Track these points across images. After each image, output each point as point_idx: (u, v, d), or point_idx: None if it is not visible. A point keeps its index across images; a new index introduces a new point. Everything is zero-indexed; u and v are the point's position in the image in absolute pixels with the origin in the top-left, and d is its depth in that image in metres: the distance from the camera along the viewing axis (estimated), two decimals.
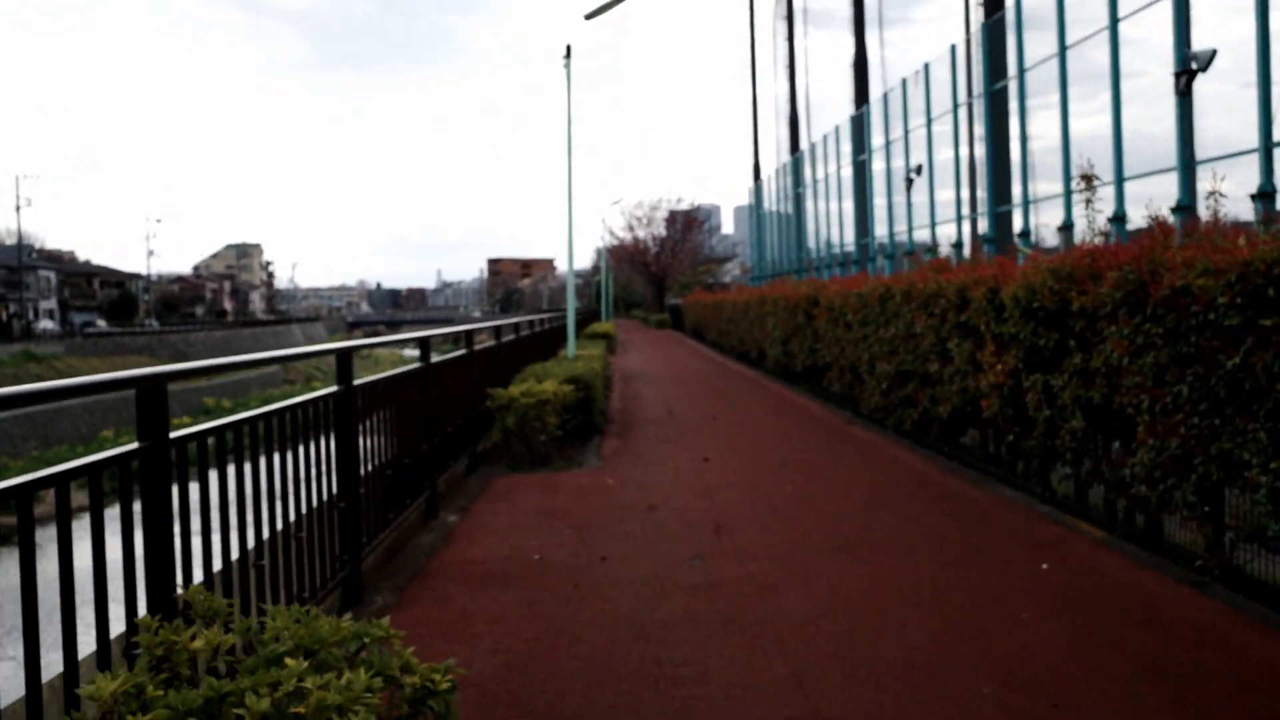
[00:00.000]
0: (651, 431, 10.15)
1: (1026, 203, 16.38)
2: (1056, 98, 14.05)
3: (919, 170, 22.07)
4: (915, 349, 8.53)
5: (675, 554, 5.06)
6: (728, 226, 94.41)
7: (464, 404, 7.81)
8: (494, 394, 8.13)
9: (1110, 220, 13.36)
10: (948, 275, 8.30)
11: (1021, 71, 16.64)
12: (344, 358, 4.45)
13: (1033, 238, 15.69)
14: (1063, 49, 15.07)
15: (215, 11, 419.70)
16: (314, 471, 4.00)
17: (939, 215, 20.58)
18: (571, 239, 13.43)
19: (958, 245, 19.06)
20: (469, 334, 8.28)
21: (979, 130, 19.60)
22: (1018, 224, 17.60)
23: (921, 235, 21.21)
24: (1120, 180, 13.28)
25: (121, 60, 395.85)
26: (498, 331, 11.03)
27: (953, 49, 19.96)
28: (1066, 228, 14.50)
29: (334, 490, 4.25)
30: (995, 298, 6.84)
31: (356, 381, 4.55)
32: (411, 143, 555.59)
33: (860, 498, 6.47)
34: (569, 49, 13.36)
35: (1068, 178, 14.74)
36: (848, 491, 6.72)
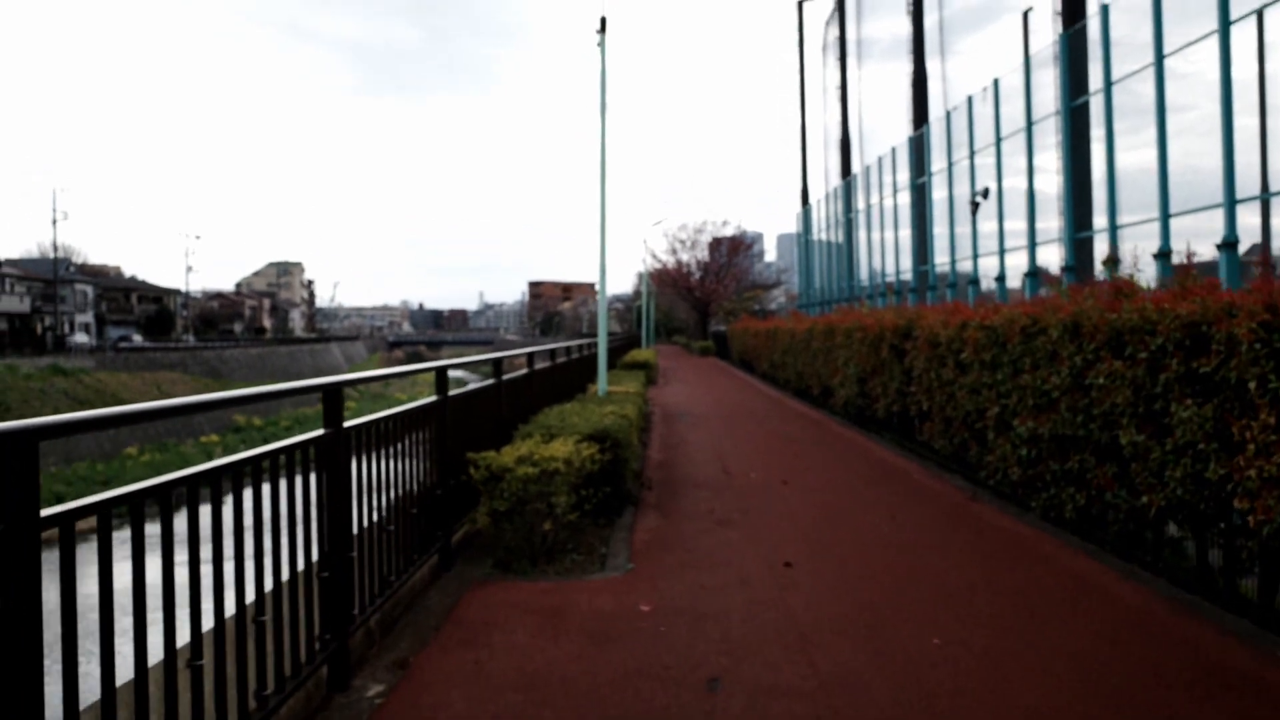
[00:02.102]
0: (703, 503, 7.56)
1: (1114, 227, 14.09)
2: (1135, 118, 12.39)
3: (985, 193, 19.92)
4: (1090, 408, 5.88)
5: None
6: (770, 254, 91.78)
7: (442, 467, 5.32)
8: (477, 460, 5.62)
9: (1219, 246, 11.22)
10: (1141, 300, 5.66)
11: (1108, 85, 14.53)
12: (332, 393, 3.61)
13: (1124, 266, 13.75)
14: (1159, 57, 12.90)
15: (267, 36, 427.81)
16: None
17: (998, 244, 18.48)
18: (604, 248, 10.96)
19: (1031, 274, 16.91)
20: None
21: (1040, 158, 17.57)
22: (1099, 250, 15.62)
23: (986, 264, 19.19)
24: (1232, 203, 11.05)
25: (180, 82, 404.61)
26: (497, 366, 8.59)
27: (1026, 61, 17.77)
28: (1164, 254, 12.25)
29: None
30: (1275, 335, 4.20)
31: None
32: (457, 167, 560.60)
33: (1069, 673, 3.80)
34: (603, 21, 10.97)
35: (1165, 199, 12.61)
36: (1037, 648, 4.05)
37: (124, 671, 2.24)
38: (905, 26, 34.44)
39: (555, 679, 3.71)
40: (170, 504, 2.44)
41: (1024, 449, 7.01)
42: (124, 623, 2.22)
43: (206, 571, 2.60)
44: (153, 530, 2.29)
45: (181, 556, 2.45)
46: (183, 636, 2.48)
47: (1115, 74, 14.20)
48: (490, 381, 6.88)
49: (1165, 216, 12.48)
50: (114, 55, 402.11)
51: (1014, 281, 18.36)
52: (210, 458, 3.56)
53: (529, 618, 4.53)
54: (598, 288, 11.26)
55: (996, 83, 18.68)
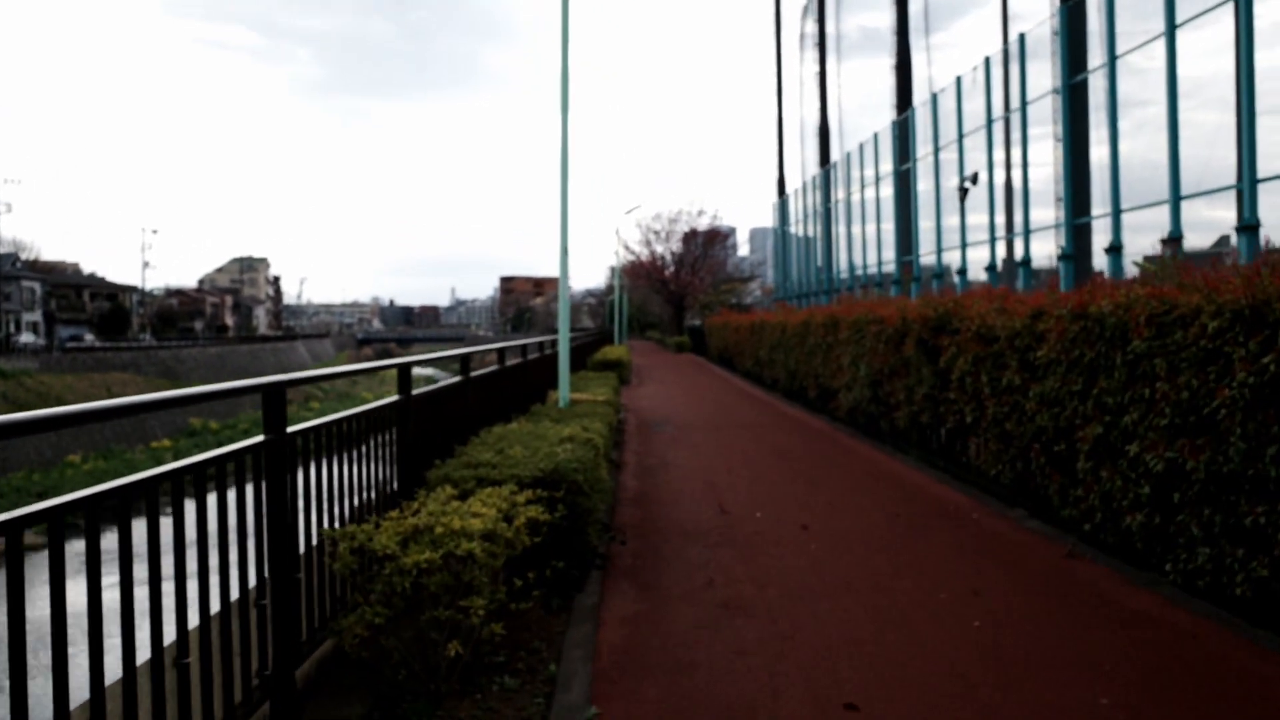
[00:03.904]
0: (698, 569, 5.44)
1: (1117, 211, 12.77)
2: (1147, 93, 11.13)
3: (974, 179, 18.67)
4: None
5: None
6: (743, 249, 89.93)
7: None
8: (341, 535, 3.47)
9: (1239, 230, 9.91)
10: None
11: (1112, 59, 13.21)
12: (273, 393, 3.14)
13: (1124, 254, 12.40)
14: (1171, 27, 11.31)
15: (231, 33, 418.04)
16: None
17: (980, 234, 17.43)
18: (565, 226, 8.82)
19: (1024, 263, 15.73)
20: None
21: (1033, 146, 16.66)
22: (1099, 239, 14.57)
23: (975, 256, 18.15)
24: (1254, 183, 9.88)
25: (140, 78, 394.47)
26: (465, 362, 6.50)
27: (1021, 39, 16.28)
28: (1174, 239, 11.13)
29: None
30: None
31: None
32: (428, 163, 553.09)
33: None
34: None
35: (1175, 180, 11.04)
36: None
37: None
38: (883, 20, 33.40)
39: None
40: (61, 532, 2.03)
41: (1146, 487, 4.97)
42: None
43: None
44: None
45: (81, 588, 2.14)
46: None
47: (1120, 48, 12.85)
48: (390, 400, 4.70)
49: (1176, 199, 11.22)
50: (78, 48, 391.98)
51: (978, 274, 17.47)
52: (160, 464, 2.24)
53: None
54: (577, 287, 9.13)
55: (988, 61, 17.41)
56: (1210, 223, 11.54)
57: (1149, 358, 4.90)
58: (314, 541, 3.57)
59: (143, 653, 2.39)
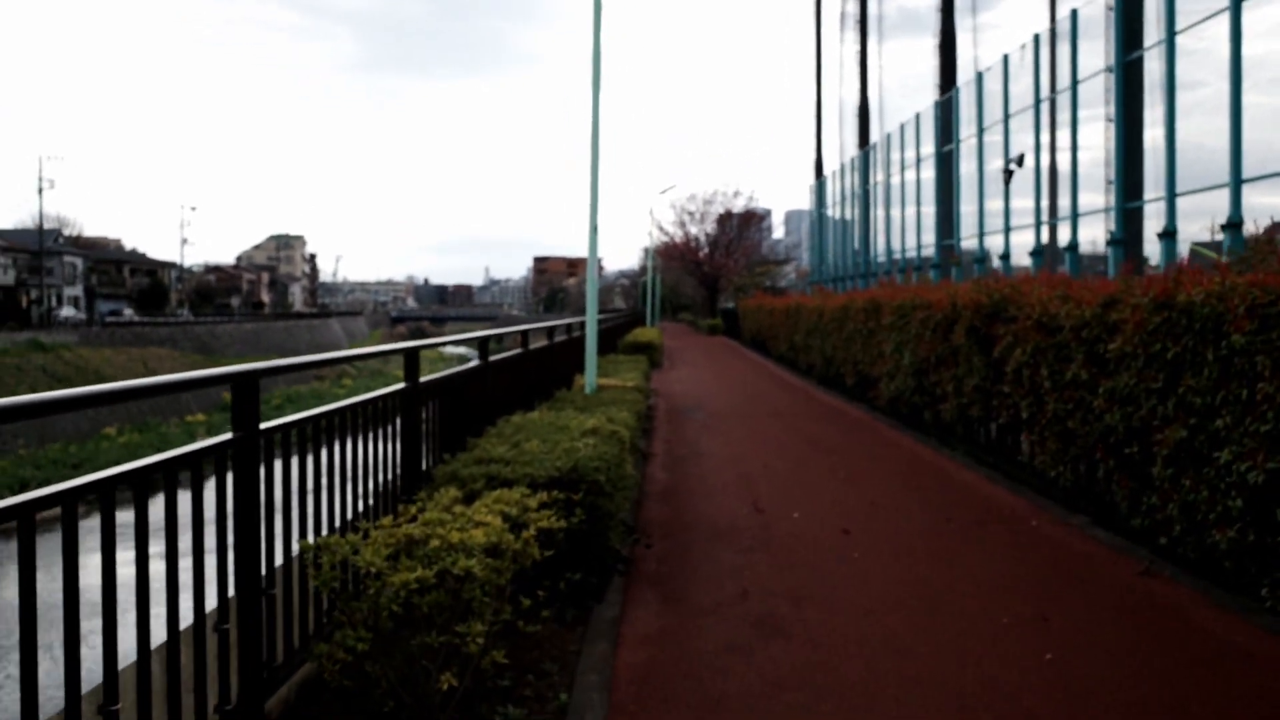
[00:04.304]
0: (729, 576, 4.96)
1: (1172, 195, 12.15)
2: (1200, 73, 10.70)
3: (1020, 160, 17.95)
4: None
5: None
6: (778, 231, 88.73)
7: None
8: (318, 547, 3.03)
9: None
10: None
11: (1171, 34, 12.49)
12: (244, 384, 2.80)
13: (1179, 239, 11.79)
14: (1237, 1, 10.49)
15: (270, 12, 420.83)
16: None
17: (1023, 219, 16.75)
18: (595, 200, 8.32)
19: (1071, 248, 15.07)
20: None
21: (1082, 129, 15.97)
22: (1149, 225, 13.97)
23: (1018, 240, 17.49)
24: None
25: (182, 57, 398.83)
26: (483, 346, 6.07)
27: (1073, 15, 15.49)
28: (1235, 225, 10.48)
29: None
30: None
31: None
32: (463, 142, 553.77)
33: None
34: None
35: (1237, 163, 10.45)
36: None
37: None
38: (923, 1, 32.41)
39: None
40: None
41: (1239, 500, 4.40)
42: None
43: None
44: None
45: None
46: None
47: (1178, 24, 12.11)
48: (390, 390, 4.25)
49: (1237, 182, 10.63)
50: (121, 28, 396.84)
51: (1022, 258, 16.89)
52: (194, 439, 2.12)
53: None
54: (613, 268, 8.62)
55: (1037, 38, 16.64)
56: (1255, 209, 10.93)
57: (1249, 354, 4.32)
58: (295, 552, 3.14)
59: (55, 704, 1.97)
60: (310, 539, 3.21)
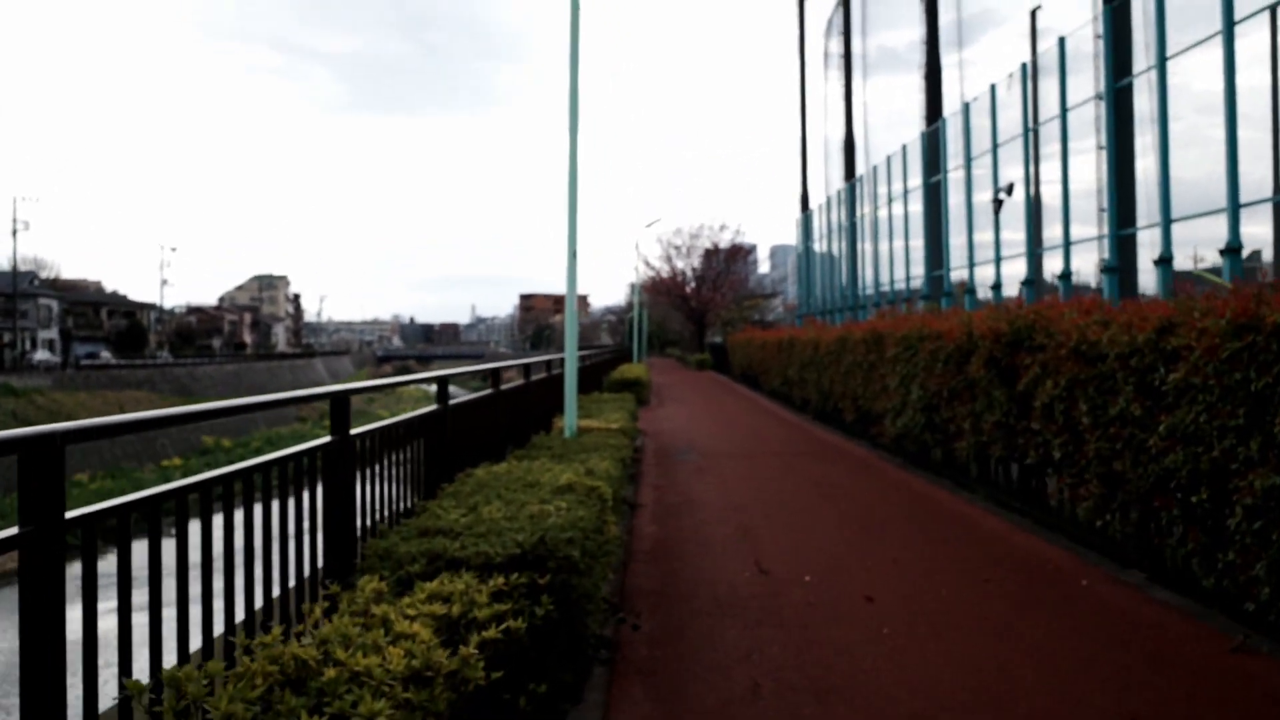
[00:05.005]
0: (738, 666, 4.06)
1: (1167, 221, 11.73)
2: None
3: (1010, 190, 17.52)
4: None
5: None
6: (764, 266, 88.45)
7: None
8: (165, 679, 2.12)
9: None
10: None
11: (1162, 60, 12.16)
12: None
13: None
14: (1230, 23, 10.66)
15: (252, 52, 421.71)
16: None
17: (1013, 249, 16.23)
18: (574, 220, 7.52)
19: (1064, 276, 14.52)
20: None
21: (1072, 158, 15.65)
22: (1142, 252, 13.60)
23: (1011, 270, 17.02)
24: None
25: (168, 97, 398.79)
26: (442, 387, 5.19)
27: (1061, 42, 15.08)
28: (1234, 249, 10.37)
29: None
30: None
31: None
32: (448, 181, 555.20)
33: None
34: None
35: (1234, 187, 10.15)
36: None
37: None
38: (903, 39, 32.44)
39: None
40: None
41: None
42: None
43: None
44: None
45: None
46: None
47: (1170, 48, 11.76)
48: (311, 445, 3.38)
49: (1235, 207, 10.24)
50: (99, 66, 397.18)
51: (1011, 289, 16.38)
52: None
53: None
54: (599, 304, 7.79)
55: (1024, 67, 16.28)
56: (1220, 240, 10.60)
57: None
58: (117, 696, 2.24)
59: None
60: (133, 680, 2.21)
